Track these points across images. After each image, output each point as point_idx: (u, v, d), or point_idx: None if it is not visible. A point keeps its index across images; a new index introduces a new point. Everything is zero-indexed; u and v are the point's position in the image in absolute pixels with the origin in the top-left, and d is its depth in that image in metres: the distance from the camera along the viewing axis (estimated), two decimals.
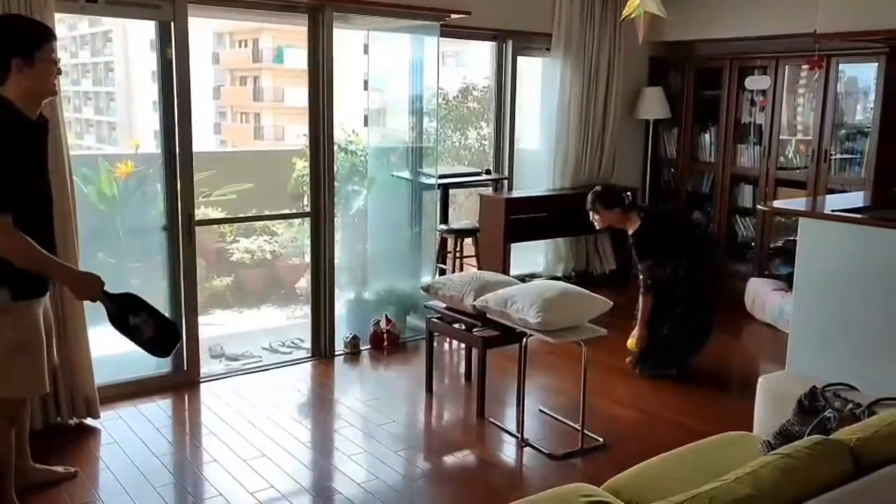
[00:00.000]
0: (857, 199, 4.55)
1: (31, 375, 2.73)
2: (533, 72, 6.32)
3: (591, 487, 2.26)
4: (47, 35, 2.71)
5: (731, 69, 6.30)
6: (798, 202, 4.26)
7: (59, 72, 2.75)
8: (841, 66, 5.60)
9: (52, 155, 3.02)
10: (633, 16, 4.18)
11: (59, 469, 3.24)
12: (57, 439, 3.59)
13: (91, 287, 2.78)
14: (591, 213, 4.63)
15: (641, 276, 4.55)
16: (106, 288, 2.81)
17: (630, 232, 4.57)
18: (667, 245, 4.54)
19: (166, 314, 4.26)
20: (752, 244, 6.30)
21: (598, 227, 4.72)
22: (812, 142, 5.80)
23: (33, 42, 2.65)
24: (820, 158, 5.77)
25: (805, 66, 5.55)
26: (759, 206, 4.23)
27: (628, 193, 5.39)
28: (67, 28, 11.43)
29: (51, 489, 3.12)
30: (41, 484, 3.11)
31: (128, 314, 2.82)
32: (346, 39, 5.25)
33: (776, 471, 1.66)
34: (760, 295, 5.70)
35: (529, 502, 2.29)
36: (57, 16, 3.58)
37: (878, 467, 1.76)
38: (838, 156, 5.81)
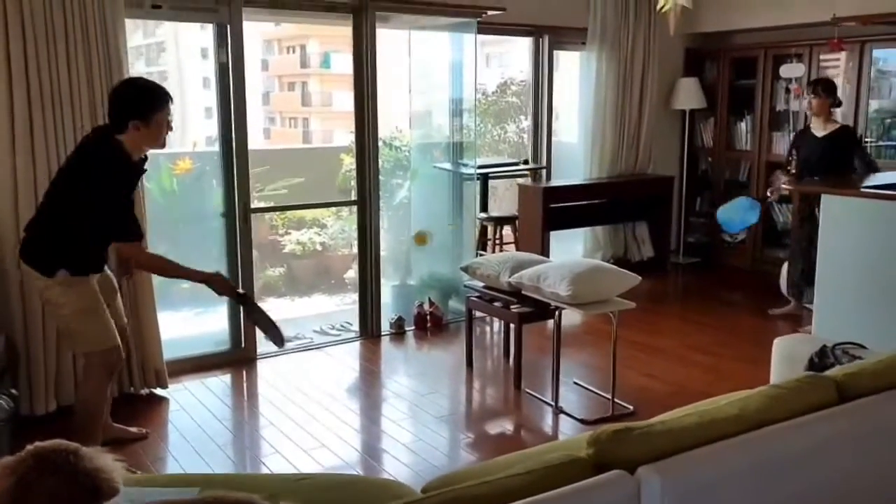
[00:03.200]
0: (887, 177, 4.65)
1: (101, 331, 3.19)
2: (570, 65, 6.52)
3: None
4: (164, 100, 3.10)
5: (766, 58, 6.42)
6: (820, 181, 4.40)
7: (171, 128, 3.14)
8: (875, 53, 5.68)
9: None
10: (667, 8, 4.37)
11: (133, 429, 3.61)
12: (131, 406, 3.96)
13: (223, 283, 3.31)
14: (810, 97, 5.00)
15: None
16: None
17: (824, 132, 4.91)
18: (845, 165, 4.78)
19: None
20: (790, 229, 6.38)
21: (809, 111, 5.09)
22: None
23: (151, 107, 3.05)
24: None
25: (829, 52, 5.67)
26: (783, 186, 4.40)
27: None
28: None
29: (127, 445, 3.47)
30: (117, 440, 3.45)
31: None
32: (391, 45, 5.54)
33: (764, 397, 1.87)
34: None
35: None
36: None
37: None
38: (880, 143, 5.88)
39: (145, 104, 3.05)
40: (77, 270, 3.12)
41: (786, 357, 3.09)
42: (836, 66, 6.05)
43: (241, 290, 3.44)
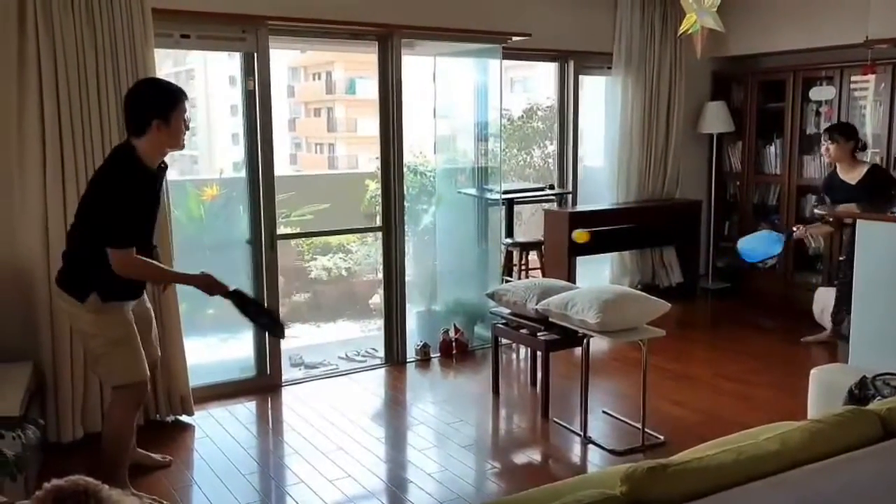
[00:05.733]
0: None
1: (132, 364, 3.14)
2: (596, 90, 6.49)
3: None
4: (181, 96, 3.09)
5: (795, 81, 6.33)
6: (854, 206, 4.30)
7: (188, 127, 3.12)
8: None
9: None
10: (690, 31, 4.33)
11: (157, 456, 3.60)
12: (156, 433, 3.95)
13: (215, 285, 3.18)
14: (826, 143, 4.71)
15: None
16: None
17: (855, 178, 4.66)
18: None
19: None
20: (821, 255, 6.27)
21: (827, 159, 4.79)
22: (880, 150, 5.78)
23: (170, 103, 3.04)
24: (889, 166, 5.74)
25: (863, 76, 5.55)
26: (816, 211, 4.30)
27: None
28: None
29: (152, 473, 3.46)
30: (140, 465, 3.45)
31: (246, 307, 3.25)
32: (417, 71, 5.55)
33: (805, 432, 1.80)
34: (830, 304, 5.67)
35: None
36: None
37: None
38: None
39: (165, 103, 3.02)
40: (108, 295, 3.06)
41: (824, 388, 3.00)
42: (865, 88, 5.96)
43: (231, 288, 3.22)
